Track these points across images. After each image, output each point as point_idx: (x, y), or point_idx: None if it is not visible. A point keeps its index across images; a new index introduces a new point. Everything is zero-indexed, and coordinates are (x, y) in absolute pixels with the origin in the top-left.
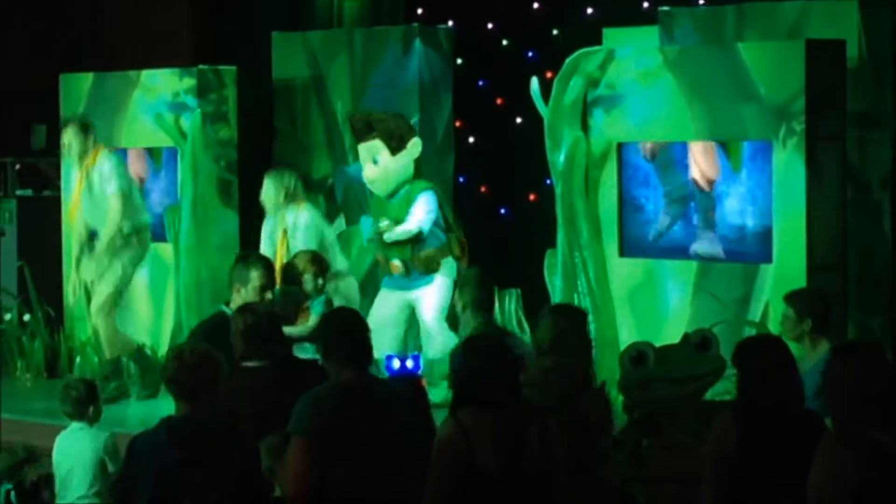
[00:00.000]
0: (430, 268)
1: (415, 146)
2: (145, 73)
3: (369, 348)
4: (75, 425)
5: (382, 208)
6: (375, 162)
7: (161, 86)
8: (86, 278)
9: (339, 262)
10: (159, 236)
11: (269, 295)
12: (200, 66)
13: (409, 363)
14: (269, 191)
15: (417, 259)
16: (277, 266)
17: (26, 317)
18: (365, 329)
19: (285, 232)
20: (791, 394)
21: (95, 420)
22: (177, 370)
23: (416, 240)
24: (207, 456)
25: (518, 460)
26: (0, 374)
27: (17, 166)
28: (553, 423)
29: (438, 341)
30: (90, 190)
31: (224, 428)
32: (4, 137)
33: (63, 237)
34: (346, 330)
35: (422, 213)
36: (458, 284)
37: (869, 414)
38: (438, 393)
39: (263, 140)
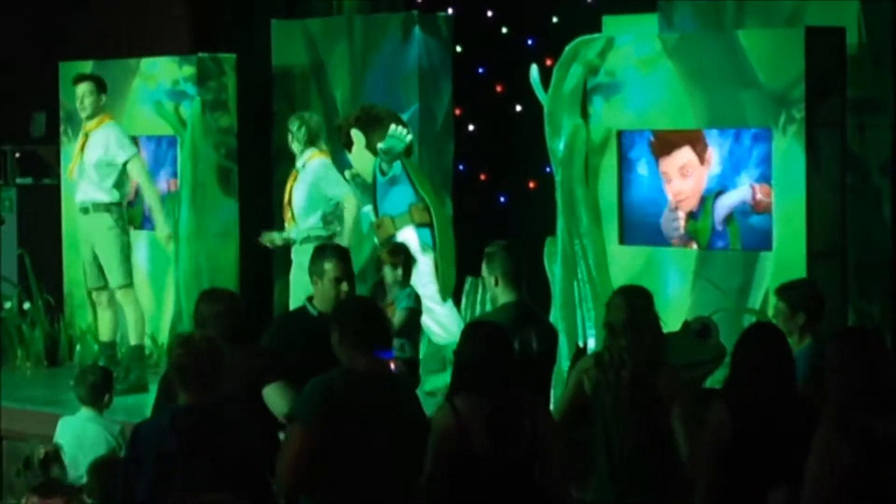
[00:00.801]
0: (381, 235)
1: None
2: (144, 61)
3: (384, 335)
4: (85, 413)
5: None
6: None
7: (160, 74)
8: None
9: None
10: None
11: (345, 286)
12: (200, 54)
13: None
14: (293, 130)
15: (378, 226)
16: (284, 200)
17: (26, 305)
18: (379, 315)
19: (296, 173)
20: (787, 384)
21: (106, 408)
22: (181, 357)
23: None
24: (208, 444)
25: (511, 446)
26: (0, 363)
27: (17, 154)
28: (545, 410)
29: (438, 323)
30: (84, 156)
31: (226, 416)
32: (4, 125)
33: (63, 225)
34: (359, 316)
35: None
36: (486, 258)
37: (865, 400)
38: (436, 380)
39: (263, 128)
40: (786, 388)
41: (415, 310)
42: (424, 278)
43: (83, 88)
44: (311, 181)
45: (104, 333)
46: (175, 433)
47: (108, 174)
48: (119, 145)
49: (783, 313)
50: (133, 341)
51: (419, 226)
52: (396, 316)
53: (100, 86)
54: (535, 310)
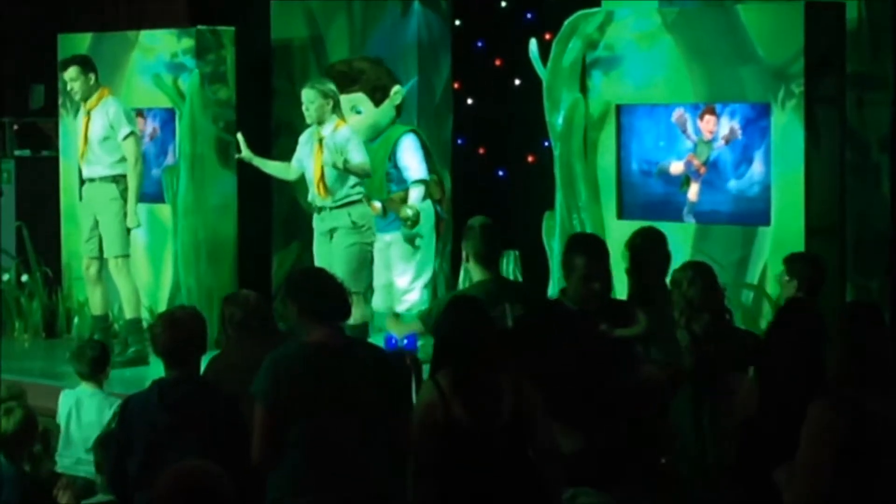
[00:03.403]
0: (396, 208)
1: (397, 94)
2: (143, 34)
3: (343, 306)
4: (86, 389)
5: None
6: (358, 112)
7: (159, 46)
8: (131, 226)
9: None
10: (157, 197)
11: (596, 286)
12: (199, 27)
13: (403, 340)
14: (313, 98)
15: (392, 200)
16: (316, 176)
17: (24, 277)
18: (337, 286)
19: (321, 142)
20: (815, 358)
21: (104, 381)
22: (164, 333)
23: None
24: (197, 417)
25: (492, 418)
26: None
27: (16, 126)
28: (529, 383)
29: (406, 294)
30: (89, 134)
31: (212, 389)
32: (2, 97)
33: (62, 197)
34: (315, 287)
35: (415, 161)
36: (464, 233)
37: (859, 374)
38: None
39: (262, 101)
40: (816, 365)
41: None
42: (399, 257)
43: (69, 74)
44: (349, 142)
45: (95, 307)
46: (165, 407)
47: (114, 149)
48: (118, 121)
49: (781, 279)
50: (129, 315)
51: (435, 201)
52: (640, 321)
53: (85, 66)
54: (512, 285)
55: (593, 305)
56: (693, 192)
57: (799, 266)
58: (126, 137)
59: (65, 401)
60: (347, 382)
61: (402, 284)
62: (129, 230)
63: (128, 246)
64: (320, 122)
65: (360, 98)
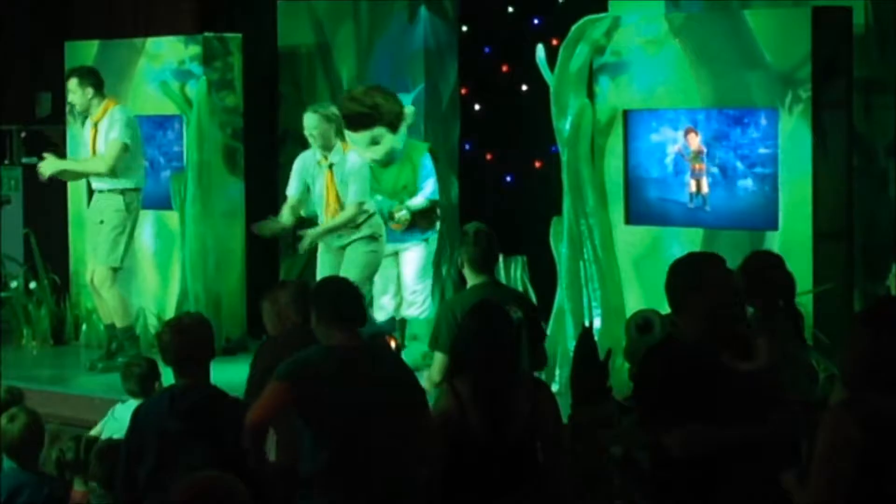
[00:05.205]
0: (429, 224)
1: (410, 115)
2: (150, 41)
3: (360, 311)
4: (133, 403)
5: (378, 175)
6: (377, 143)
7: (166, 53)
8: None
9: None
10: (165, 204)
11: (734, 294)
12: (206, 34)
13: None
14: (316, 123)
15: (420, 215)
16: (331, 203)
17: (32, 284)
18: (353, 291)
19: (332, 168)
20: None
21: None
22: (172, 341)
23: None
24: (208, 424)
25: (507, 426)
26: (6, 342)
27: (23, 134)
28: (546, 391)
29: (415, 299)
30: (96, 147)
31: (222, 396)
32: (10, 105)
33: (69, 204)
34: (334, 294)
35: (430, 182)
36: (459, 239)
37: (874, 379)
38: (408, 355)
39: (269, 107)
40: None
41: None
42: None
43: (69, 85)
44: (355, 172)
45: (104, 316)
46: (176, 414)
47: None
48: (112, 126)
49: None
50: (119, 324)
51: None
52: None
53: (84, 78)
54: (508, 291)
55: (732, 314)
56: (694, 185)
57: None
58: (112, 140)
59: (120, 415)
60: (370, 385)
61: (412, 296)
62: (123, 243)
63: (118, 260)
64: (326, 147)
65: (380, 132)
